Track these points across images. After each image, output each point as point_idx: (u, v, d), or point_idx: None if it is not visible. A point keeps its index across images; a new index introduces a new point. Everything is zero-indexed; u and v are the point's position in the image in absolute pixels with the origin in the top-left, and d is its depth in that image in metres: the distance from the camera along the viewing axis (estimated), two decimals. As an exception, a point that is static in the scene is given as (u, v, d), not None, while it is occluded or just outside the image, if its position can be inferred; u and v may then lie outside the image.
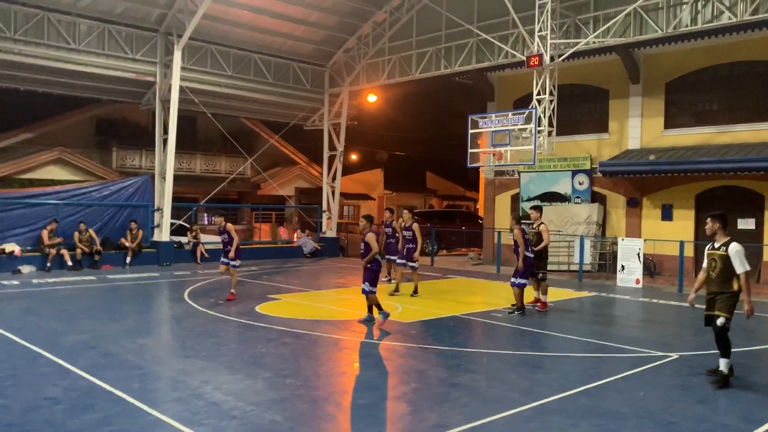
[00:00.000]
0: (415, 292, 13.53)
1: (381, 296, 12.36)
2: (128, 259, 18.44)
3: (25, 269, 16.56)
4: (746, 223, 17.26)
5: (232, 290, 12.57)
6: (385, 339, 9.31)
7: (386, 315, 10.21)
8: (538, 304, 12.08)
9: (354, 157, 37.57)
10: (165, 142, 19.70)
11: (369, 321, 10.31)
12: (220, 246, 12.79)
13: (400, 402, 6.41)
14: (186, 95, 19.96)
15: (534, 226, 12.17)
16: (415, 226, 13.93)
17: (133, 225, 18.81)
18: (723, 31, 16.69)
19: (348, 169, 32.42)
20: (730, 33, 16.87)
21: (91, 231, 17.88)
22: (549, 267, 12.84)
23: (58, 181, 23.49)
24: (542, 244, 11.90)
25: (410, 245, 13.90)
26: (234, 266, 12.48)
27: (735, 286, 7.05)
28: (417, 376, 7.32)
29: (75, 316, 10.57)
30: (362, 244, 10.34)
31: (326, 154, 24.71)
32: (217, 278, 15.93)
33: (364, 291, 10.24)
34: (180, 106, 19.31)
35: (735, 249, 7.04)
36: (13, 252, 16.78)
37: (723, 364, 7.11)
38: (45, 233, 17.14)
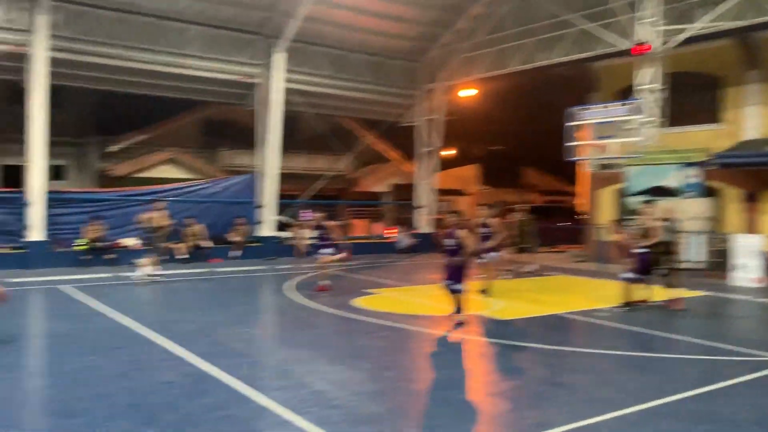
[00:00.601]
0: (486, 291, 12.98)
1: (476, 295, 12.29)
2: (234, 253, 19.31)
3: (142, 262, 17.70)
4: None
5: (323, 282, 12.98)
6: (484, 336, 9.22)
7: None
8: (668, 302, 11.46)
9: (449, 152, 37.32)
10: (268, 141, 20.45)
11: (463, 323, 9.65)
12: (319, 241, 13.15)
13: (499, 399, 6.34)
14: (288, 96, 20.60)
15: (647, 223, 11.57)
16: (495, 221, 13.59)
17: (239, 221, 19.68)
18: None
19: (443, 165, 32.24)
20: None
21: (197, 226, 18.86)
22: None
23: (170, 179, 24.92)
24: (649, 241, 11.33)
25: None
26: (328, 254, 12.89)
27: None
28: (517, 373, 7.22)
29: (187, 306, 11.22)
30: (450, 240, 9.62)
31: (421, 150, 24.76)
32: (316, 272, 16.36)
33: (457, 290, 9.65)
34: (282, 107, 19.96)
35: None
36: (131, 246, 18.03)
37: None
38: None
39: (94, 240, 16.85)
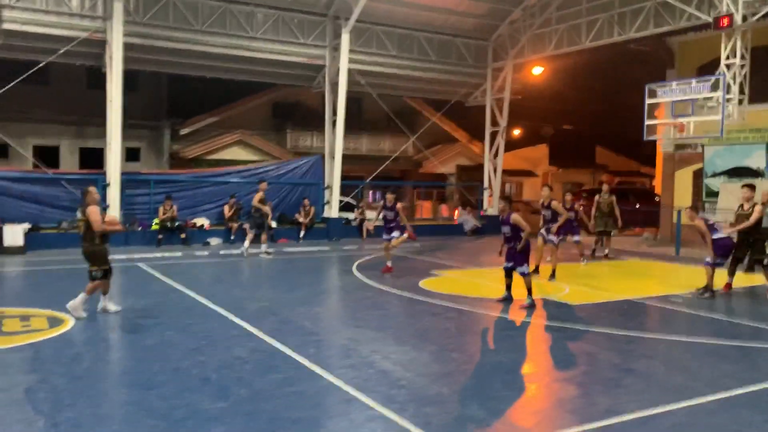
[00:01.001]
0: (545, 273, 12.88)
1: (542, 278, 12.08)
2: (301, 234, 19.64)
3: (213, 241, 18.29)
4: None
5: (389, 263, 13.03)
6: (552, 320, 9.04)
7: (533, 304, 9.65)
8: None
9: (517, 132, 36.63)
10: (334, 123, 20.61)
11: (531, 306, 9.60)
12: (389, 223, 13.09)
13: (569, 384, 6.21)
14: (353, 77, 20.66)
15: (745, 207, 10.98)
16: (554, 203, 13.28)
17: (306, 202, 19.98)
18: None
19: (511, 145, 31.69)
20: None
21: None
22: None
23: (239, 161, 25.53)
24: (744, 225, 10.72)
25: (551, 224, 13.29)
26: (389, 239, 12.89)
27: None
28: (587, 359, 7.05)
29: (256, 285, 11.52)
30: (506, 227, 9.55)
31: (488, 130, 24.38)
32: (382, 253, 16.45)
33: (523, 273, 9.64)
34: (347, 88, 20.05)
35: None
36: (203, 226, 18.63)
37: None
38: (226, 208, 18.77)
39: (166, 220, 17.47)
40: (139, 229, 17.67)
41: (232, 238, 18.27)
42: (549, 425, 5.15)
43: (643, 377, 6.38)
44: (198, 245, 17.70)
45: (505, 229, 9.62)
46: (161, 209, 17.58)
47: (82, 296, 8.41)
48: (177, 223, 17.61)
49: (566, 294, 11.01)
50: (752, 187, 11.19)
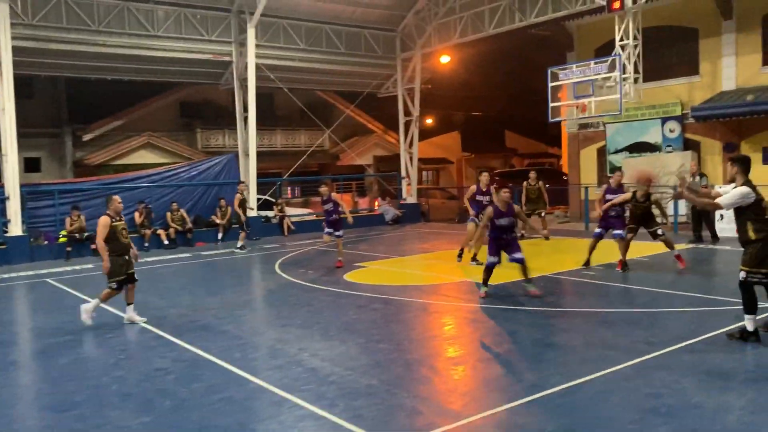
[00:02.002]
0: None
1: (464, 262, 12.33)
2: (220, 236, 19.16)
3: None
4: None
5: (340, 258, 13.01)
6: (474, 302, 9.25)
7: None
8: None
9: (430, 121, 37.19)
10: (245, 120, 20.20)
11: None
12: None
13: (494, 363, 6.38)
14: (262, 72, 20.29)
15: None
16: (493, 190, 13.45)
17: (222, 202, 19.49)
18: (828, -48, 15.22)
19: (425, 134, 32.15)
20: (837, -47, 15.36)
21: (182, 211, 18.68)
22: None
23: (148, 164, 24.61)
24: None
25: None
26: (338, 236, 12.80)
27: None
28: (510, 337, 7.26)
29: (175, 292, 11.12)
30: (506, 219, 9.28)
31: (402, 120, 24.61)
32: (305, 249, 16.33)
33: (520, 260, 9.29)
34: (257, 83, 19.68)
35: None
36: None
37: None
38: (136, 215, 18.07)
39: (74, 231, 16.63)
40: (45, 243, 16.71)
41: (146, 245, 17.60)
42: (478, 406, 5.26)
43: (564, 350, 6.63)
44: (110, 255, 16.91)
45: (504, 221, 9.28)
46: (68, 220, 16.70)
47: (95, 301, 8.40)
48: (86, 234, 16.79)
49: (487, 276, 11.26)
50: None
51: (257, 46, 19.65)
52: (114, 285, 8.35)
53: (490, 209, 9.45)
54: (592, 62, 16.90)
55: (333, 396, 5.47)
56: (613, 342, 6.83)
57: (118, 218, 8.34)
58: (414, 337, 7.48)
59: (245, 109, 20.15)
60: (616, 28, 16.60)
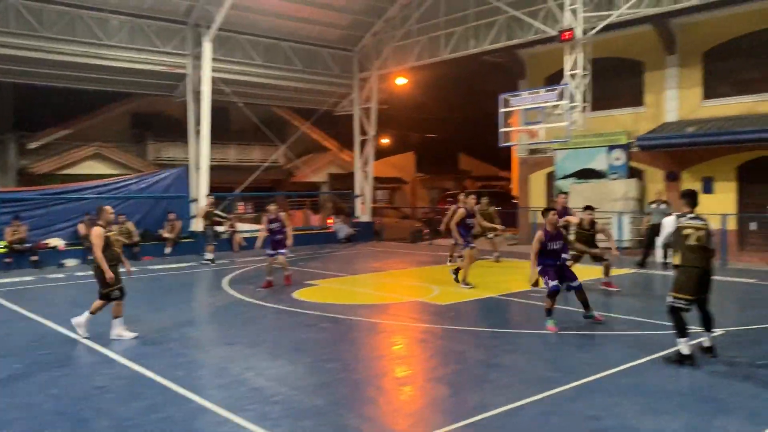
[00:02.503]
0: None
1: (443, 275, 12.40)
2: (168, 250, 18.79)
3: (69, 263, 17.02)
4: (792, 194, 16.74)
5: (288, 273, 12.71)
6: (424, 322, 9.32)
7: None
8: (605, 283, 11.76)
9: (386, 140, 37.46)
10: (198, 133, 19.95)
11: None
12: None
13: (440, 384, 6.42)
14: (217, 86, 20.13)
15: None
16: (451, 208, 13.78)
17: (171, 216, 19.15)
18: (763, -5, 16.11)
19: (380, 153, 32.33)
20: (770, -3, 16.27)
21: (129, 223, 18.24)
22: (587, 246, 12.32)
23: (96, 175, 23.95)
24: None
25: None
26: (283, 254, 12.40)
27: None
28: (456, 357, 7.32)
29: (119, 307, 10.81)
30: (557, 243, 8.80)
31: (357, 139, 24.72)
32: (255, 266, 16.15)
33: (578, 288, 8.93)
34: (212, 97, 19.50)
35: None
36: (56, 246, 17.26)
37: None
38: (82, 227, 17.57)
39: (14, 242, 16.05)
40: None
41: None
42: (423, 426, 5.28)
43: (508, 371, 6.73)
44: (52, 267, 16.40)
45: (556, 244, 8.77)
46: (8, 231, 16.11)
47: (115, 321, 8.25)
48: (27, 245, 16.22)
49: (435, 295, 11.38)
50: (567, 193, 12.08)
51: (213, 59, 19.50)
52: (117, 293, 8.26)
53: (462, 211, 9.77)
54: (543, 90, 17.37)
55: (277, 416, 5.41)
56: (556, 364, 6.97)
57: (110, 228, 8.39)
58: (362, 356, 7.47)
59: (198, 122, 19.91)
60: (566, 58, 17.14)
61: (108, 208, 8.47)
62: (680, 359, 6.80)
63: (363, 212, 24.75)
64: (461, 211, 12.29)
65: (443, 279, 13.26)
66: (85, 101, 24.58)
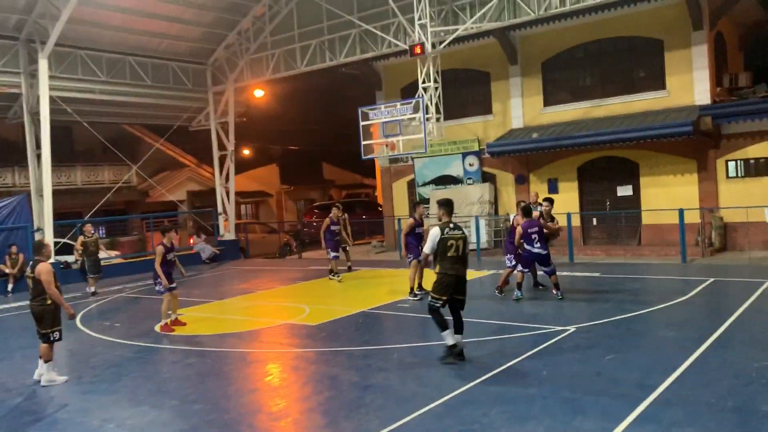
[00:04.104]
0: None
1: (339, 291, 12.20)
2: (9, 287, 17.12)
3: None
4: (625, 190, 18.49)
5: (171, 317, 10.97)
6: (296, 346, 9.19)
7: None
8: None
9: (246, 152, 36.70)
10: (39, 156, 18.35)
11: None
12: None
13: (315, 413, 6.35)
14: (57, 105, 18.67)
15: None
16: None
17: (13, 249, 17.44)
18: (589, 11, 17.66)
19: (241, 167, 31.64)
20: (596, 12, 17.87)
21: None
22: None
23: None
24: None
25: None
26: (158, 291, 10.85)
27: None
28: (330, 382, 7.28)
29: (-48, 361, 9.67)
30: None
31: (216, 154, 23.99)
32: (111, 297, 15.14)
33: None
34: (52, 117, 18.03)
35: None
36: None
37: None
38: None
39: None
40: None
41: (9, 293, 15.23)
42: (298, 464, 5.18)
43: (381, 391, 6.80)
44: None
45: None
46: None
47: (46, 366, 7.88)
48: None
49: (307, 315, 11.29)
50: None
51: (51, 77, 18.07)
52: (57, 335, 7.99)
53: (411, 220, 11.61)
54: (399, 103, 17.87)
55: (142, 473, 5.08)
56: (426, 378, 7.14)
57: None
58: (232, 392, 7.20)
59: (38, 145, 18.32)
60: (419, 71, 17.75)
61: (49, 244, 8.24)
62: (448, 349, 7.57)
63: (227, 230, 24.04)
64: (409, 221, 12.62)
65: (313, 296, 13.20)
66: None
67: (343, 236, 15.90)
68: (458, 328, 7.74)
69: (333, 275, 15.38)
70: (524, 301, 11.26)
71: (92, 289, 16.05)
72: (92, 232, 16.66)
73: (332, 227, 15.40)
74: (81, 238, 16.21)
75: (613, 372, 6.95)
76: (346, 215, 16.58)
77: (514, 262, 11.68)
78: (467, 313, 9.59)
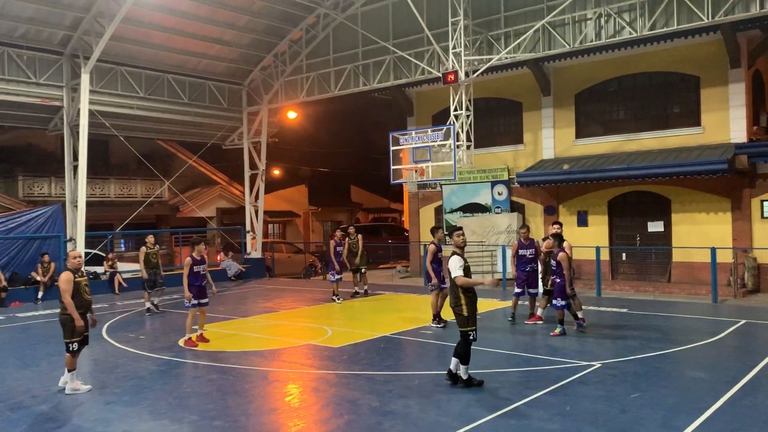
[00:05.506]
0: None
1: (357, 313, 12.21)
2: (40, 294, 17.45)
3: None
4: (656, 226, 18.19)
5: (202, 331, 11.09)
6: (317, 368, 9.18)
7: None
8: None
9: (277, 173, 37.13)
10: (75, 168, 18.81)
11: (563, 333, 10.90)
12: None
13: (333, 437, 6.30)
14: (96, 119, 19.16)
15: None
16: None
17: (45, 258, 17.82)
18: (625, 45, 17.57)
19: (271, 187, 31.99)
20: (632, 46, 17.78)
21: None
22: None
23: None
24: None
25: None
26: (186, 306, 10.87)
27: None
28: (349, 406, 7.24)
29: (-20, 365, 9.85)
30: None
31: (247, 173, 24.29)
32: (137, 310, 15.31)
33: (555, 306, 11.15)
34: (90, 130, 18.51)
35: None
36: None
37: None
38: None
39: None
40: None
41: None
42: (314, 486, 5.14)
43: (401, 418, 6.73)
44: None
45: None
46: None
47: (69, 375, 8.00)
48: None
49: (329, 337, 11.27)
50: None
51: (92, 91, 18.59)
52: (75, 346, 8.00)
53: (433, 246, 11.84)
54: (430, 129, 17.93)
55: (159, 487, 5.09)
56: (447, 407, 7.06)
57: (79, 274, 8.11)
58: (253, 411, 7.20)
59: (75, 157, 18.79)
60: (451, 98, 17.84)
61: (73, 252, 8.31)
62: (469, 382, 7.79)
63: (254, 248, 24.23)
64: (431, 248, 12.35)
65: (336, 318, 13.20)
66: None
67: (343, 259, 16.20)
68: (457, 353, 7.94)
69: (334, 296, 15.86)
70: (548, 335, 11.08)
71: (155, 300, 14.98)
72: (154, 242, 15.41)
73: (338, 248, 15.87)
74: (144, 249, 14.97)
75: (638, 411, 6.79)
76: (359, 236, 16.73)
77: (563, 302, 11.07)
78: (492, 344, 9.54)
